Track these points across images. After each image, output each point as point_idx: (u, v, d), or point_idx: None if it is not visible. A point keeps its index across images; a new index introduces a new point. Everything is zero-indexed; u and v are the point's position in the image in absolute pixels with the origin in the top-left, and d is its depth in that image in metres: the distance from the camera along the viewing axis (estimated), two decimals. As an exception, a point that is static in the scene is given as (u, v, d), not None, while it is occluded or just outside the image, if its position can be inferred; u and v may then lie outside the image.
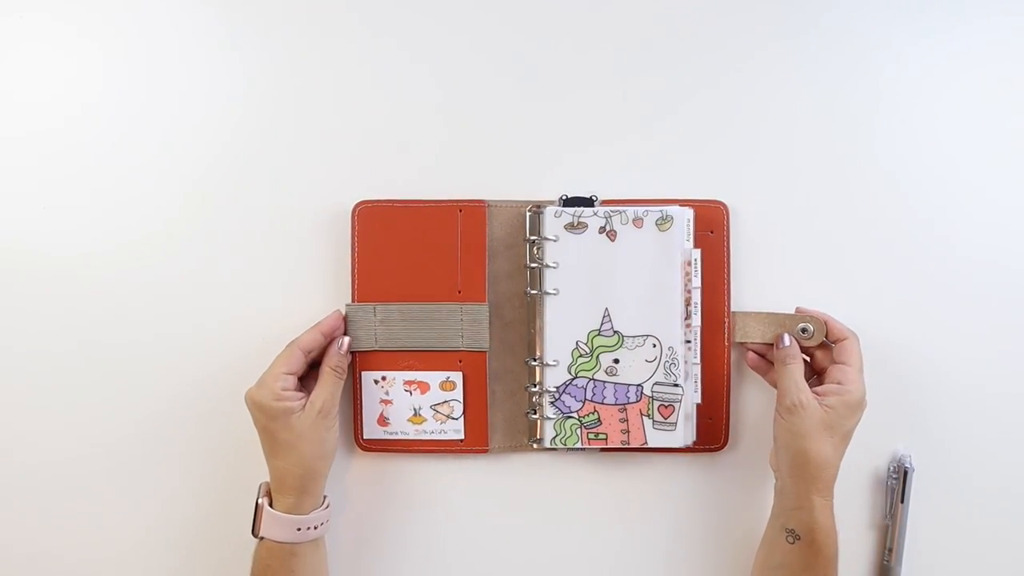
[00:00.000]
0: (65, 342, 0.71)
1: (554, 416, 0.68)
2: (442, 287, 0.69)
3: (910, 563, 0.69)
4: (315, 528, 0.64)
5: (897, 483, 0.69)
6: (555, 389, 0.68)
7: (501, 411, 0.70)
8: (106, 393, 0.71)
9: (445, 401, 0.69)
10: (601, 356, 0.68)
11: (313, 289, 0.71)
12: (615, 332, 0.68)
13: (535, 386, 0.69)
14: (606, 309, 0.68)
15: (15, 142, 0.71)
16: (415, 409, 0.70)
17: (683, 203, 0.69)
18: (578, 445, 0.68)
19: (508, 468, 0.71)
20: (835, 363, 0.65)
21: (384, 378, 0.69)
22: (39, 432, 0.71)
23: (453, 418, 0.70)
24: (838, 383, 0.63)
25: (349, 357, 0.69)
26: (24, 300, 0.71)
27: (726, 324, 0.69)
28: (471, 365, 0.69)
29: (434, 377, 0.69)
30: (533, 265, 0.68)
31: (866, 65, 0.70)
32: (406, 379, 0.69)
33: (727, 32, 0.71)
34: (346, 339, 0.68)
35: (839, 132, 0.70)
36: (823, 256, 0.70)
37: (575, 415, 0.68)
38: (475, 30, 0.71)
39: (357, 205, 0.69)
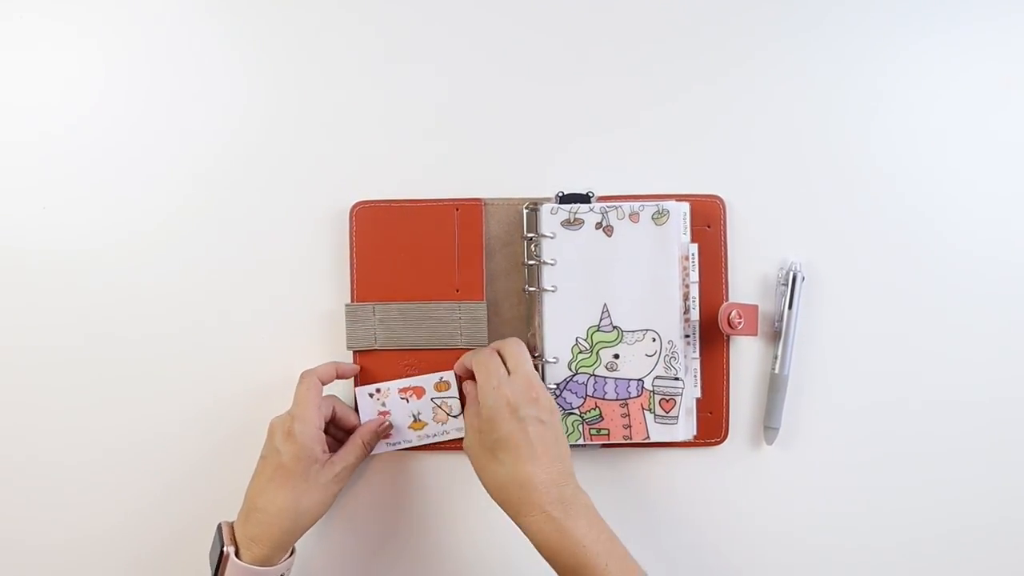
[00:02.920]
0: (64, 341, 0.71)
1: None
2: (440, 286, 0.69)
3: (799, 372, 0.70)
4: None
5: (786, 290, 0.69)
6: (556, 386, 0.68)
7: (502, 409, 0.70)
8: (105, 392, 0.71)
9: (443, 401, 0.69)
10: (601, 351, 0.68)
11: (312, 289, 0.71)
12: (614, 327, 0.68)
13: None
14: (605, 304, 0.68)
15: (15, 142, 0.72)
16: (414, 415, 0.70)
17: (680, 198, 0.69)
18: (580, 441, 0.68)
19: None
20: None
21: (379, 390, 0.69)
22: (39, 429, 0.71)
23: (453, 416, 0.70)
24: (479, 403, 0.62)
25: (378, 436, 0.69)
26: (23, 299, 0.71)
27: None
28: (471, 363, 0.70)
29: (428, 380, 0.69)
30: (531, 262, 0.69)
31: (864, 61, 0.71)
32: (400, 387, 0.69)
33: (724, 29, 0.71)
34: (388, 420, 0.69)
35: (836, 127, 0.71)
36: (820, 250, 0.70)
37: (577, 411, 0.68)
38: (471, 29, 0.71)
39: (355, 205, 0.69)
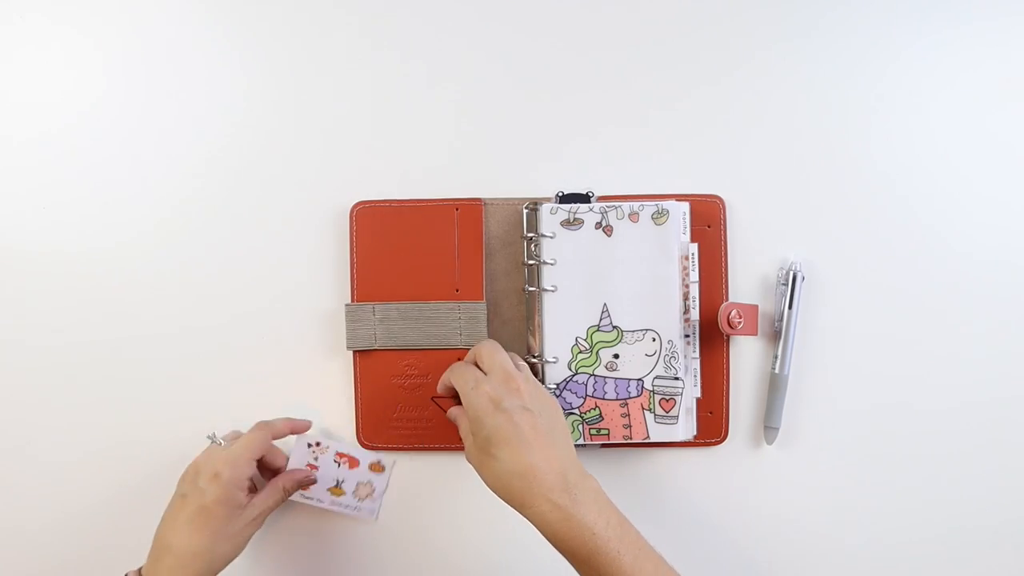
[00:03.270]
0: (62, 341, 0.71)
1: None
2: (440, 286, 0.69)
3: (799, 372, 0.70)
4: None
5: (786, 289, 0.69)
6: (555, 386, 0.68)
7: (502, 409, 0.70)
8: (105, 392, 0.71)
9: (370, 481, 0.70)
10: (601, 351, 0.68)
11: (312, 289, 0.71)
12: (614, 327, 0.68)
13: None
14: (604, 304, 0.68)
15: (15, 142, 0.72)
16: (338, 481, 0.70)
17: (680, 198, 0.69)
18: (580, 441, 0.68)
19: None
20: None
21: (319, 444, 0.69)
22: (39, 428, 0.72)
23: (372, 499, 0.70)
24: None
25: (299, 488, 0.68)
26: (23, 299, 0.72)
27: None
28: (471, 363, 0.70)
29: (366, 457, 0.70)
30: (531, 262, 0.69)
31: (864, 61, 0.71)
32: (339, 451, 0.70)
33: (725, 30, 0.71)
34: (314, 476, 0.69)
35: (836, 127, 0.71)
36: (820, 250, 0.70)
37: (577, 411, 0.68)
38: (470, 29, 0.71)
39: (355, 206, 0.70)
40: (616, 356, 0.68)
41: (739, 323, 0.67)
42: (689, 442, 0.69)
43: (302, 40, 0.71)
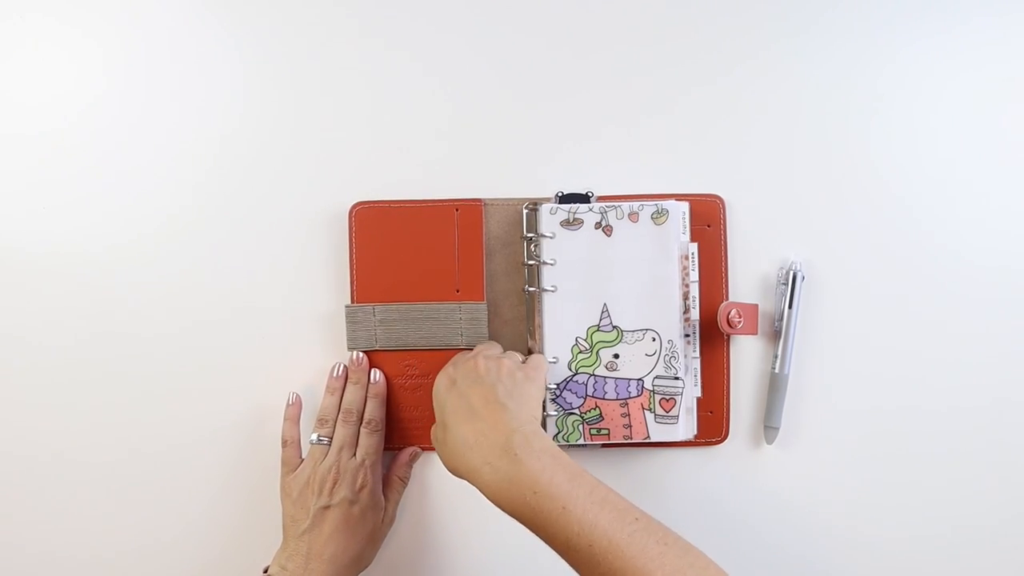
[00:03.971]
0: (61, 342, 0.71)
1: (556, 413, 0.68)
2: (440, 286, 0.69)
3: (799, 372, 0.70)
4: None
5: (786, 289, 0.69)
6: (556, 386, 0.68)
7: (502, 409, 0.70)
8: (105, 393, 0.71)
9: None
10: (601, 351, 0.68)
11: (312, 290, 0.71)
12: (614, 327, 0.68)
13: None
14: (604, 304, 0.68)
15: (16, 142, 0.72)
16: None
17: (680, 198, 0.69)
18: (581, 441, 0.68)
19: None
20: None
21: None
22: (39, 429, 0.72)
23: None
24: None
25: (411, 467, 0.71)
26: (23, 300, 0.72)
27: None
28: (471, 364, 0.70)
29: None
30: (531, 262, 0.69)
31: (864, 61, 0.71)
32: None
33: (724, 29, 0.71)
34: (415, 448, 0.71)
35: (836, 127, 0.71)
36: (820, 250, 0.70)
37: (577, 411, 0.68)
38: (470, 30, 0.71)
39: (354, 206, 0.69)
40: (616, 356, 0.68)
41: (739, 323, 0.67)
42: (689, 442, 0.69)
43: (301, 40, 0.71)
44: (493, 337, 0.70)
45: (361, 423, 0.68)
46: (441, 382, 0.62)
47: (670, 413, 0.68)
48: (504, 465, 0.54)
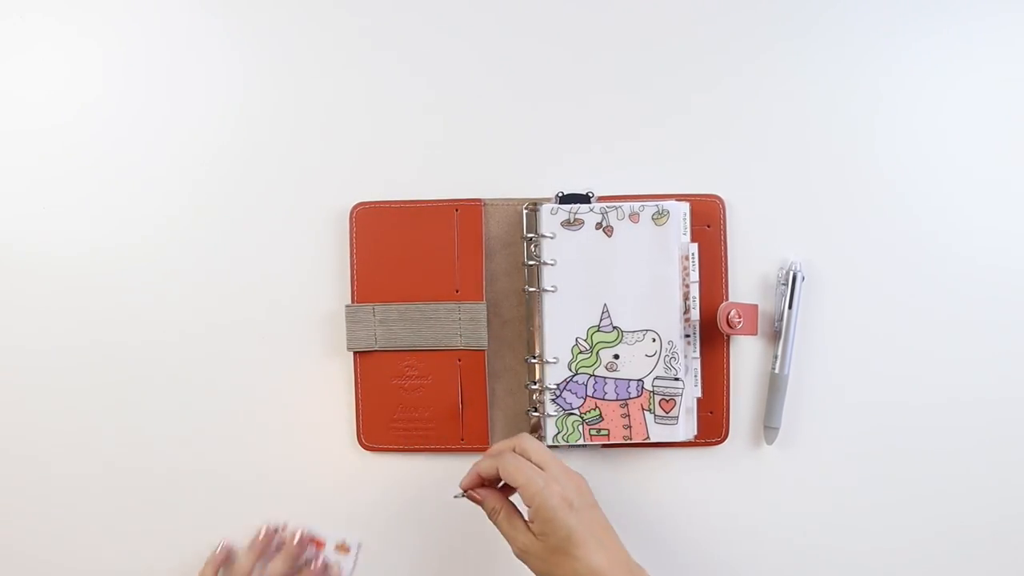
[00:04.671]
0: (61, 343, 0.72)
1: (556, 413, 0.68)
2: (440, 286, 0.69)
3: (799, 372, 0.70)
4: None
5: (786, 289, 0.69)
6: (556, 386, 0.68)
7: (501, 409, 0.70)
8: (103, 391, 0.72)
9: (336, 563, 0.65)
10: (601, 352, 0.68)
11: (312, 290, 0.71)
12: (614, 327, 0.68)
13: (535, 384, 0.69)
14: (605, 305, 0.68)
15: (15, 142, 0.72)
16: (307, 560, 0.65)
17: (680, 198, 0.69)
18: (581, 441, 0.68)
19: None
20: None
21: (285, 526, 0.65)
22: (39, 429, 0.72)
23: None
24: (527, 507, 0.59)
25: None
26: (23, 299, 0.72)
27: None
28: (470, 363, 0.69)
29: (331, 538, 0.65)
30: (531, 263, 0.69)
31: (865, 60, 0.70)
32: (304, 533, 0.65)
33: (725, 30, 0.71)
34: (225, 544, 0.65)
35: (837, 127, 0.71)
36: (820, 250, 0.70)
37: (577, 412, 0.68)
38: (470, 31, 0.71)
39: (355, 207, 0.69)
40: (616, 356, 0.68)
41: (738, 323, 0.67)
42: (689, 442, 0.69)
43: (302, 41, 0.71)
44: (493, 338, 0.69)
45: None
46: (555, 501, 0.58)
47: (670, 414, 0.68)
48: None
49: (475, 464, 0.62)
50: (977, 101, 0.70)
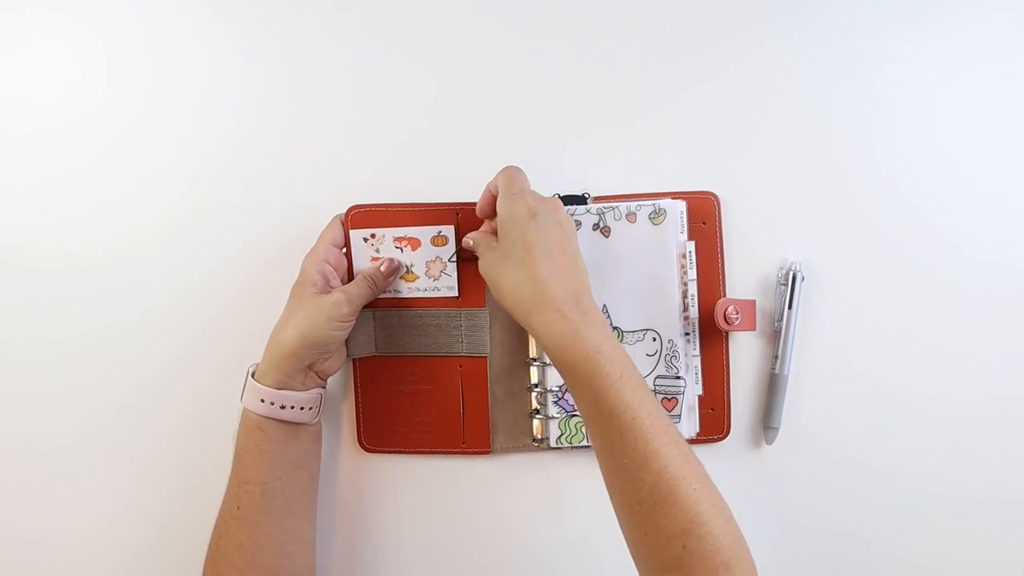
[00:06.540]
0: (61, 340, 0.72)
1: (558, 415, 0.68)
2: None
3: (799, 372, 0.70)
4: (281, 408, 0.62)
5: (786, 289, 0.69)
6: (558, 388, 0.68)
7: (503, 412, 0.70)
8: (102, 391, 0.72)
9: (438, 256, 0.67)
10: (601, 352, 0.68)
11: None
12: (615, 328, 0.68)
13: (537, 386, 0.69)
14: (604, 305, 0.68)
15: (15, 141, 0.72)
16: (407, 266, 0.68)
17: (675, 195, 0.69)
18: (584, 443, 0.68)
19: (512, 468, 0.71)
20: None
21: (374, 235, 0.67)
22: (40, 424, 0.72)
23: (447, 274, 0.68)
24: (498, 211, 0.61)
25: (387, 283, 0.67)
26: (23, 298, 0.72)
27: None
28: (472, 369, 0.69)
29: (425, 233, 0.67)
30: (530, 264, 0.68)
31: (862, 58, 0.71)
32: (396, 236, 0.67)
33: (720, 26, 0.71)
34: (388, 261, 0.67)
35: (833, 124, 0.71)
36: (819, 249, 0.70)
37: (578, 412, 0.68)
38: (467, 31, 0.71)
39: (350, 210, 0.69)
40: (617, 356, 0.68)
41: (736, 319, 0.67)
42: (691, 439, 0.69)
43: (298, 43, 0.71)
44: (494, 344, 0.69)
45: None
46: (519, 207, 0.58)
47: (672, 412, 0.68)
48: (576, 317, 0.55)
49: (487, 185, 0.64)
50: (975, 99, 0.70)
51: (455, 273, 0.68)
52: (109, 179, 0.71)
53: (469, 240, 0.65)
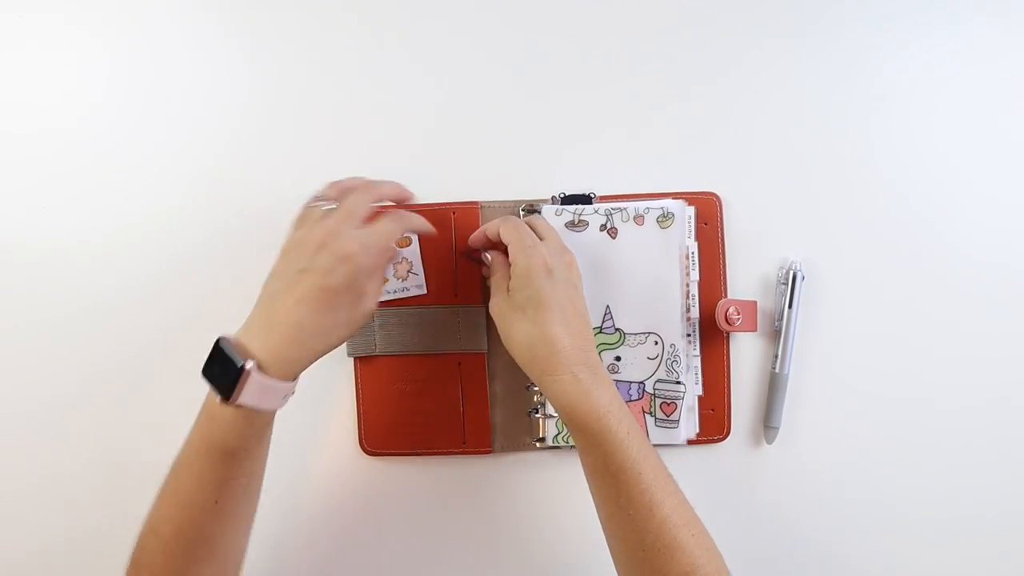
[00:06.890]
0: (61, 339, 0.71)
1: (557, 414, 0.68)
2: (438, 290, 0.68)
3: (799, 372, 0.71)
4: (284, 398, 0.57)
5: (786, 289, 0.70)
6: (557, 388, 0.67)
7: (502, 411, 0.70)
8: (102, 391, 0.71)
9: (403, 259, 0.66)
10: (603, 354, 0.67)
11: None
12: (616, 330, 0.67)
13: (536, 385, 0.68)
14: (607, 307, 0.67)
15: (15, 140, 0.71)
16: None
17: (677, 195, 0.68)
18: (581, 444, 0.68)
19: (511, 468, 0.71)
20: None
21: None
22: (39, 423, 0.71)
23: (414, 273, 0.68)
24: (511, 264, 0.60)
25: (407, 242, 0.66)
26: (23, 298, 0.71)
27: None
28: (470, 366, 0.69)
29: None
30: (532, 264, 0.67)
31: (863, 58, 0.70)
32: None
33: (722, 27, 0.70)
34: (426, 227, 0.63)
35: (835, 124, 0.70)
36: (819, 249, 0.70)
37: (578, 414, 0.68)
38: (467, 31, 0.70)
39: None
40: (618, 359, 0.67)
41: (737, 319, 0.67)
42: (691, 440, 0.69)
43: (298, 43, 0.70)
44: (493, 343, 0.68)
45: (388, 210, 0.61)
46: (535, 261, 0.58)
47: (671, 417, 0.68)
48: (586, 378, 0.56)
49: (484, 226, 0.64)
50: (975, 99, 0.70)
51: (421, 272, 0.68)
52: (109, 179, 0.71)
53: (487, 257, 0.64)
